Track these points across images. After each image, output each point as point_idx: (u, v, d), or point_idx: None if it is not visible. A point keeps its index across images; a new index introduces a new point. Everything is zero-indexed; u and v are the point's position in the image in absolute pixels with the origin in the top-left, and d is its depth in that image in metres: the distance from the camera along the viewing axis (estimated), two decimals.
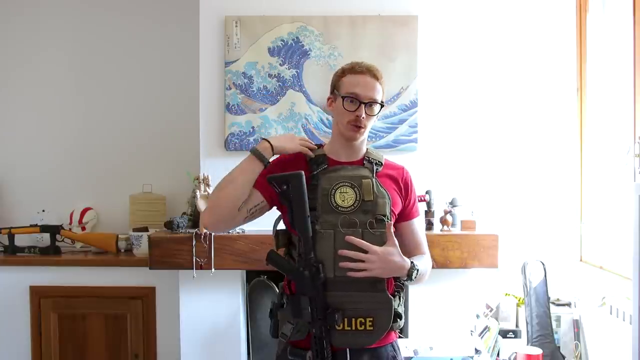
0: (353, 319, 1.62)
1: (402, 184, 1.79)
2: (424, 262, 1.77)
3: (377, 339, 1.65)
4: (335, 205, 1.66)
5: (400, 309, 1.72)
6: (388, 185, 1.74)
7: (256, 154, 1.69)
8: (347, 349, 1.64)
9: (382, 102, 1.73)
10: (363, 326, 1.63)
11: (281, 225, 1.76)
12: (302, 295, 1.61)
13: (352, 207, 1.66)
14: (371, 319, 1.63)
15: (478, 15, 3.18)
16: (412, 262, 1.66)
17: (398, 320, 1.69)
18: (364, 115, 1.68)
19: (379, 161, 1.77)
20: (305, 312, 1.59)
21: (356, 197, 1.67)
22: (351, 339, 1.63)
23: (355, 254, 1.60)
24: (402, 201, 1.77)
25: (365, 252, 1.60)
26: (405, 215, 1.80)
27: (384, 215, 1.67)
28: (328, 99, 1.78)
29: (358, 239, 1.61)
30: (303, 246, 1.61)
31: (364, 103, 1.68)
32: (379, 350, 1.70)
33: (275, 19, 3.04)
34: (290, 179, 1.62)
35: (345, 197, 1.67)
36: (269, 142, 1.71)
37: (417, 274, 1.67)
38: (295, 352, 1.65)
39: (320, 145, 1.80)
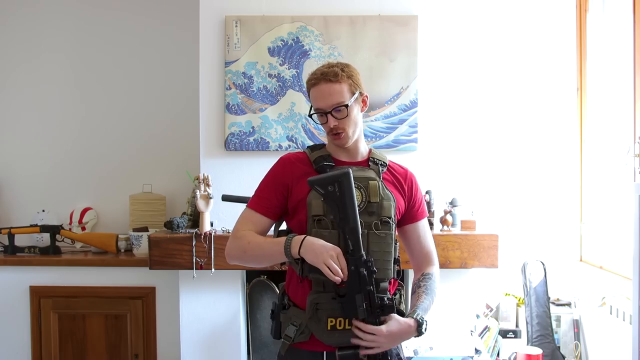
0: (354, 318, 1.60)
1: (406, 186, 1.76)
2: (431, 293, 1.73)
3: None
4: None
5: (402, 307, 1.72)
6: (392, 187, 1.73)
7: (287, 252, 1.59)
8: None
9: (353, 95, 1.67)
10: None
11: (282, 226, 1.76)
12: (356, 293, 1.56)
13: (358, 207, 1.61)
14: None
15: (478, 15, 3.18)
16: (417, 320, 1.62)
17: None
18: (334, 123, 1.66)
19: (384, 162, 1.75)
20: (361, 310, 1.56)
21: (362, 198, 1.65)
22: (352, 337, 1.61)
23: (364, 341, 1.56)
24: (406, 203, 1.75)
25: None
26: (411, 217, 1.78)
27: (389, 217, 1.66)
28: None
29: (364, 328, 1.55)
30: (352, 245, 1.56)
31: (328, 112, 1.66)
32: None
33: (275, 19, 3.04)
34: (339, 178, 1.56)
35: None
36: (301, 243, 1.58)
37: (426, 325, 1.65)
38: (345, 356, 1.60)
39: (322, 145, 1.78)
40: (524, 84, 3.30)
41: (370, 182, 1.67)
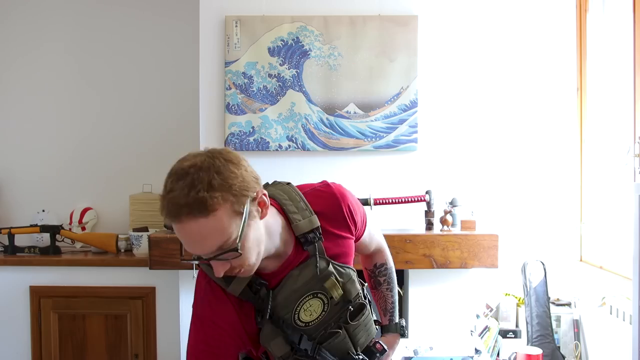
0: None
1: (346, 220, 1.39)
2: (394, 286, 1.66)
3: None
4: (304, 325, 1.34)
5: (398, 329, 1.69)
6: (339, 247, 1.37)
7: None
8: None
9: (242, 224, 1.12)
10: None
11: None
12: None
13: (323, 312, 1.35)
14: None
15: (478, 15, 3.18)
16: (399, 332, 1.61)
17: None
18: (222, 273, 1.16)
19: (313, 230, 1.31)
20: None
21: (324, 302, 1.34)
22: None
23: None
24: (355, 235, 1.45)
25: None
26: (359, 234, 1.48)
27: (358, 297, 1.40)
28: None
29: None
30: None
31: (210, 259, 1.15)
32: None
33: (275, 19, 3.04)
34: None
35: (312, 310, 1.34)
36: None
37: (405, 328, 1.64)
38: None
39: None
40: (523, 84, 3.29)
41: (325, 283, 1.32)
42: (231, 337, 1.28)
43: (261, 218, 1.20)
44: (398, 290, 1.70)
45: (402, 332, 1.60)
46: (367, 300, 1.44)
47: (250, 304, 1.30)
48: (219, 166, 1.13)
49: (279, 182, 1.43)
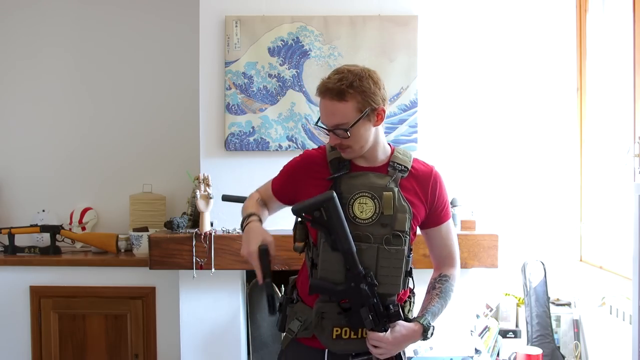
0: (360, 328, 1.60)
1: (429, 189, 1.68)
2: (445, 296, 1.69)
3: None
4: (352, 216, 1.59)
5: (410, 315, 1.70)
6: (412, 195, 1.65)
7: (242, 228, 1.69)
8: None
9: (361, 113, 1.55)
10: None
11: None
12: (361, 307, 1.55)
13: (371, 219, 1.59)
14: None
15: (478, 15, 3.18)
16: (422, 325, 1.60)
17: None
18: (335, 142, 1.60)
19: (404, 167, 1.66)
20: (367, 322, 1.55)
21: (375, 210, 1.59)
22: (357, 346, 1.61)
23: (371, 349, 1.57)
24: (428, 208, 1.68)
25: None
26: (433, 220, 1.71)
27: (402, 232, 1.59)
28: None
29: (370, 336, 1.56)
30: (349, 263, 1.55)
31: (330, 130, 1.59)
32: None
33: (275, 19, 3.04)
34: (324, 204, 1.51)
35: (364, 209, 1.60)
36: (245, 227, 1.67)
37: (432, 330, 1.62)
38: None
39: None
40: (524, 84, 3.29)
41: (384, 193, 1.59)
42: (305, 173, 1.69)
43: (374, 125, 1.61)
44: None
45: (426, 326, 1.59)
46: (407, 235, 1.60)
47: (328, 173, 1.65)
48: (362, 76, 1.56)
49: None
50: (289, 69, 3.04)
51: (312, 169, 1.68)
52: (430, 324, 1.61)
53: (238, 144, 3.05)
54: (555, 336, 3.11)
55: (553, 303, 3.19)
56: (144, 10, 3.58)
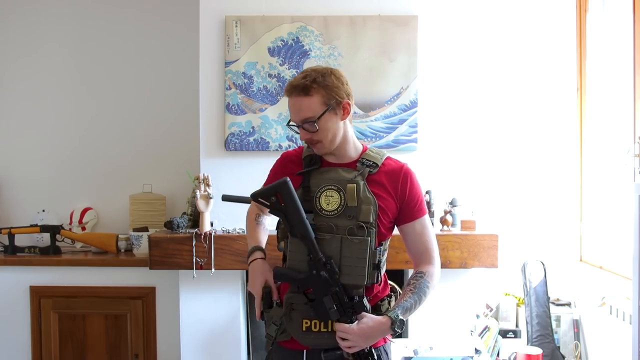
0: (329, 321, 1.61)
1: (399, 184, 1.71)
2: (418, 292, 1.67)
3: None
4: (319, 208, 1.65)
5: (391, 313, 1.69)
6: (380, 189, 1.68)
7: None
8: (336, 350, 1.63)
9: (327, 107, 1.64)
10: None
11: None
12: (324, 296, 1.59)
13: (336, 211, 1.64)
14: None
15: (478, 15, 3.18)
16: (390, 318, 1.59)
17: None
18: (306, 137, 1.67)
19: (374, 163, 1.71)
20: (332, 312, 1.58)
21: (340, 202, 1.64)
22: (328, 340, 1.63)
23: (340, 342, 1.58)
24: (398, 203, 1.71)
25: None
26: (406, 215, 1.73)
27: (367, 223, 1.63)
28: None
29: (336, 328, 1.58)
30: (308, 250, 1.60)
31: (299, 126, 1.67)
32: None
33: (275, 19, 3.04)
34: (278, 189, 1.59)
35: (330, 201, 1.65)
36: (250, 263, 1.75)
37: (400, 324, 1.61)
38: (330, 356, 1.62)
39: None
40: (524, 84, 3.30)
41: (348, 184, 1.65)
42: (282, 172, 1.74)
43: (341, 119, 1.69)
44: (396, 288, 1.73)
45: (394, 319, 1.59)
46: (372, 227, 1.64)
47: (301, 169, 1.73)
48: (325, 73, 1.67)
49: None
50: (289, 69, 3.04)
51: (288, 167, 1.75)
52: (398, 316, 1.60)
53: (238, 144, 3.05)
54: (555, 336, 3.11)
55: (553, 303, 3.19)
56: (144, 10, 3.58)
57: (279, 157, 1.83)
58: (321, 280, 1.59)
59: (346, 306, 1.58)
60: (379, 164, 1.72)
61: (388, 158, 1.75)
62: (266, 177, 1.84)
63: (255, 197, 1.62)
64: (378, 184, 1.69)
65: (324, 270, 1.59)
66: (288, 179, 1.60)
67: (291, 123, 1.70)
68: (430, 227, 1.79)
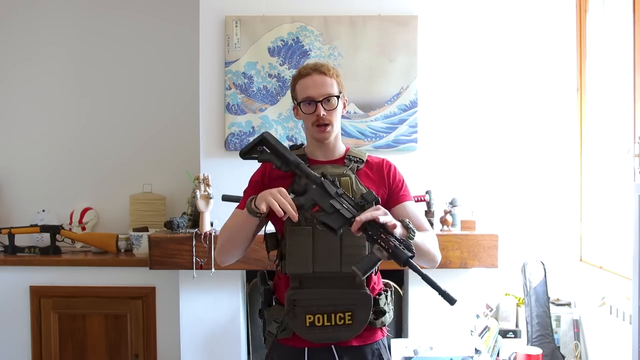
0: (332, 314, 1.64)
1: (384, 174, 1.77)
2: (423, 233, 1.69)
3: (356, 333, 1.67)
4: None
5: (387, 308, 1.73)
6: (369, 180, 1.74)
7: (251, 212, 1.62)
8: (333, 345, 1.66)
9: (339, 93, 1.72)
10: (342, 320, 1.65)
11: (269, 228, 1.77)
12: (330, 199, 1.59)
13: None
14: (350, 313, 1.65)
15: (478, 15, 3.18)
16: (403, 222, 1.59)
17: (381, 316, 1.71)
18: (323, 113, 1.69)
19: (360, 159, 1.77)
20: (344, 210, 1.56)
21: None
22: (331, 333, 1.65)
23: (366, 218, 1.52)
24: (387, 190, 1.76)
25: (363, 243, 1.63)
26: (394, 199, 1.76)
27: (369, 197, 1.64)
28: (293, 109, 1.80)
29: (359, 217, 1.54)
30: (306, 176, 1.63)
31: (319, 102, 1.69)
32: (363, 348, 1.71)
33: (275, 19, 3.04)
34: (261, 140, 1.69)
35: None
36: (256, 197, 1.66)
37: (412, 233, 1.58)
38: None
39: (301, 145, 1.83)
40: (523, 84, 3.30)
41: (342, 178, 1.70)
42: (269, 175, 1.77)
43: (342, 113, 1.78)
44: (396, 288, 1.72)
45: (405, 224, 1.57)
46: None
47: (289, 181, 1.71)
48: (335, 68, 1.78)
49: None
50: (289, 69, 3.04)
51: (274, 171, 1.73)
52: (409, 225, 1.58)
53: (238, 144, 3.05)
54: (555, 336, 3.11)
55: (553, 303, 3.19)
56: (144, 10, 3.58)
57: (255, 171, 1.82)
58: (323, 189, 1.60)
59: (357, 203, 1.58)
60: (364, 160, 1.78)
61: (369, 156, 1.82)
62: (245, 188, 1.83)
63: (244, 155, 1.71)
64: (366, 177, 1.75)
65: (314, 184, 1.62)
66: (267, 132, 1.71)
67: (302, 100, 1.71)
68: (421, 212, 1.84)
